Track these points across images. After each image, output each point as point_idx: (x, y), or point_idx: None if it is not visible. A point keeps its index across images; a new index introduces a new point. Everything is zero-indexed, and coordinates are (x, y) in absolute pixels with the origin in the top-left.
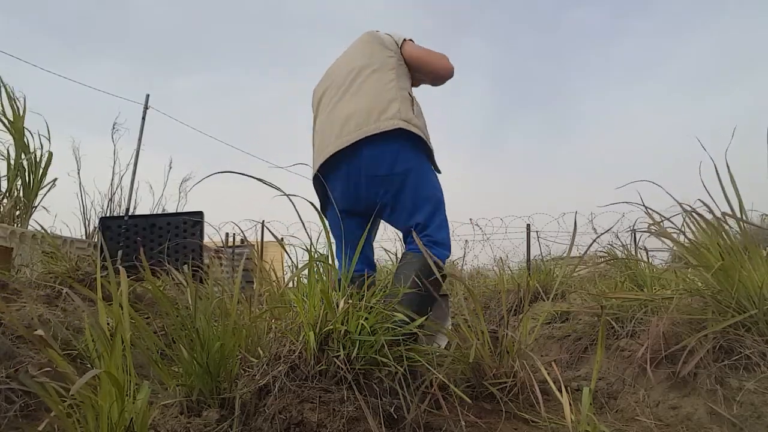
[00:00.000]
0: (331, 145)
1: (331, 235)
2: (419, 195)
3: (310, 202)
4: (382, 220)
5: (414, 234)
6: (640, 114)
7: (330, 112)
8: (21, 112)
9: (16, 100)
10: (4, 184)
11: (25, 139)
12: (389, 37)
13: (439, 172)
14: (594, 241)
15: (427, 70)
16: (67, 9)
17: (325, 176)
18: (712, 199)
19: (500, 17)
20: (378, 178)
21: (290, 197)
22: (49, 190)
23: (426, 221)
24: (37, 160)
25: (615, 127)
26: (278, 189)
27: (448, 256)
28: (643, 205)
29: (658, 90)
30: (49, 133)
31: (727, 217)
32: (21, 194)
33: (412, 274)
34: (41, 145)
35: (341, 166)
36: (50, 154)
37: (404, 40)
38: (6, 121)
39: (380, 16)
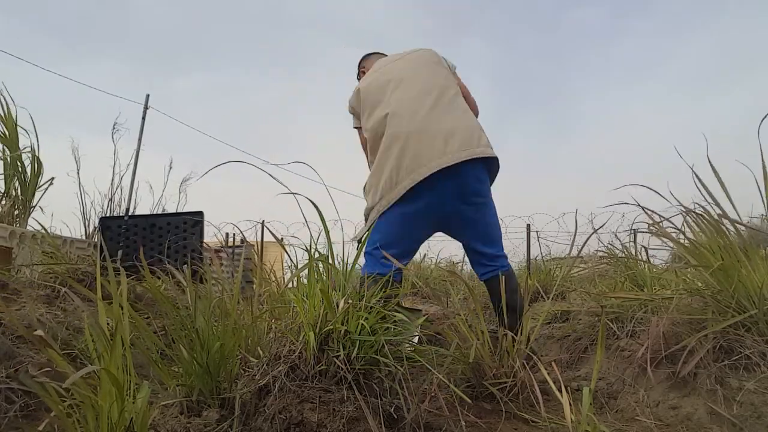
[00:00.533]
0: (435, 161)
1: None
2: (494, 221)
3: (311, 201)
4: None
5: (493, 255)
6: (640, 114)
7: (424, 123)
8: (10, 110)
9: (4, 98)
10: (2, 184)
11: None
12: (447, 61)
13: None
14: (590, 236)
15: (470, 105)
16: (67, 9)
17: (416, 187)
18: (713, 197)
19: (500, 17)
20: (468, 197)
21: (295, 195)
22: (46, 190)
23: (500, 243)
24: (33, 158)
25: (615, 127)
26: (283, 185)
27: None
28: (642, 207)
29: (658, 90)
30: (35, 129)
31: (723, 219)
32: (19, 194)
33: (517, 285)
34: (36, 145)
35: (436, 177)
36: (39, 162)
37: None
38: None
39: (381, 15)
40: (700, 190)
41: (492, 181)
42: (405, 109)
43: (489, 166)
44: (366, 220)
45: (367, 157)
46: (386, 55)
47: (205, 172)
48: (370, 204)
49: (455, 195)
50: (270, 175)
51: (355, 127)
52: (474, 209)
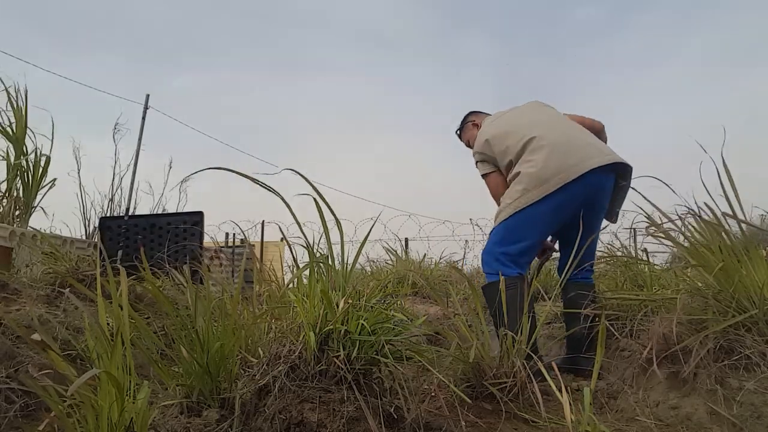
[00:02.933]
0: (594, 158)
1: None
2: (598, 234)
3: (318, 202)
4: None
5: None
6: (641, 113)
7: (567, 136)
8: (24, 112)
9: (18, 98)
10: (3, 185)
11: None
12: None
13: None
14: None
15: None
16: (67, 8)
17: (567, 184)
18: (712, 198)
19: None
20: (603, 201)
21: (300, 196)
22: (48, 190)
23: (594, 256)
24: (37, 160)
25: (615, 126)
26: (276, 193)
27: None
28: (650, 203)
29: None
30: (53, 133)
31: (727, 218)
32: (21, 194)
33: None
34: (41, 145)
35: (591, 173)
36: (47, 159)
37: None
38: (8, 124)
39: (380, 13)
40: (708, 190)
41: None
42: (543, 129)
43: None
44: (497, 217)
45: (497, 202)
46: (489, 113)
47: (197, 171)
48: (510, 198)
49: (596, 194)
50: (262, 185)
51: (485, 174)
52: (600, 213)
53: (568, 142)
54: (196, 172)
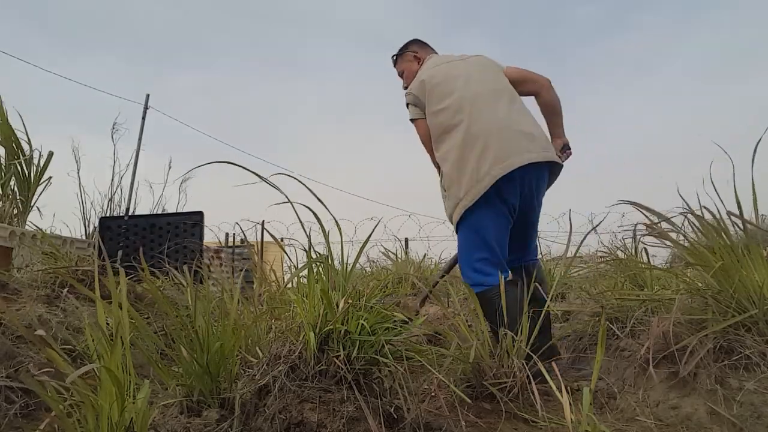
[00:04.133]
0: (523, 155)
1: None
2: (538, 223)
3: (305, 206)
4: None
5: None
6: (642, 112)
7: (506, 122)
8: (4, 111)
9: None
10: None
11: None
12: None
13: None
14: (587, 234)
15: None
16: (67, 8)
17: (504, 177)
18: (718, 194)
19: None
20: (539, 196)
21: (304, 199)
22: (44, 189)
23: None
24: (33, 159)
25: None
26: (279, 190)
27: None
28: (643, 209)
29: (659, 87)
30: (26, 130)
31: (731, 217)
32: (17, 194)
33: (544, 279)
34: (41, 146)
35: (523, 171)
36: (50, 154)
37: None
38: None
39: (380, 13)
40: (709, 194)
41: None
42: (483, 105)
43: (549, 175)
44: (451, 220)
45: (428, 149)
46: (437, 52)
47: (196, 166)
48: (453, 201)
49: (531, 188)
50: (265, 180)
51: (414, 119)
52: (537, 210)
53: (503, 136)
54: (199, 166)
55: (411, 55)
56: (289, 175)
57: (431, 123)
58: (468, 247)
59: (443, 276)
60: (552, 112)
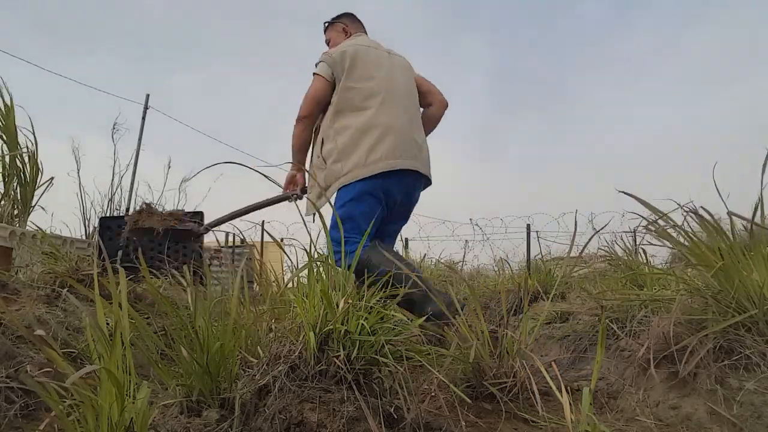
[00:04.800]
0: (412, 160)
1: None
2: (399, 231)
3: (311, 201)
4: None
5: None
6: (642, 111)
7: (407, 125)
8: (11, 108)
9: (4, 96)
10: (1, 185)
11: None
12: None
13: None
14: (592, 237)
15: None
16: (67, 9)
17: (387, 172)
18: (721, 197)
19: (500, 14)
20: (413, 203)
21: (294, 196)
22: (45, 189)
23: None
24: (32, 158)
25: (616, 125)
26: (278, 185)
27: None
28: (638, 214)
29: (660, 87)
30: (33, 129)
31: (732, 217)
32: (18, 194)
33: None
34: (36, 144)
35: (405, 173)
36: (38, 164)
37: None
38: None
39: (380, 13)
40: (718, 189)
41: None
42: (394, 102)
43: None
44: (323, 190)
45: (311, 106)
46: (366, 32)
47: (202, 168)
48: (332, 175)
49: (407, 196)
50: (267, 177)
51: (318, 74)
52: (406, 214)
53: (401, 136)
54: (206, 168)
55: (341, 27)
56: (275, 183)
57: (339, 94)
58: (338, 222)
59: (235, 217)
60: (430, 127)
